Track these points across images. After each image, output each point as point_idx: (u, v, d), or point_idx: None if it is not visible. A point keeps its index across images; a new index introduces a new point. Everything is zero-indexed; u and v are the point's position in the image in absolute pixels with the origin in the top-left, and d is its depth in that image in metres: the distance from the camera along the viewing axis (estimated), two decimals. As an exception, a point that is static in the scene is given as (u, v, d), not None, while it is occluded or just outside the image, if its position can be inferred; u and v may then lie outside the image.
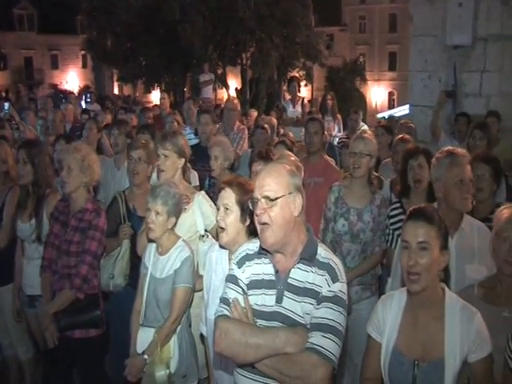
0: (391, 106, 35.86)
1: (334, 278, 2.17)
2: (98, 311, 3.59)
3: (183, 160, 3.70)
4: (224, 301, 2.27)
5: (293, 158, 3.70)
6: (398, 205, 3.71)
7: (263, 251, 2.24)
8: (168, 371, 3.10)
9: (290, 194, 2.17)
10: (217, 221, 2.78)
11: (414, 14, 7.12)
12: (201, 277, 3.23)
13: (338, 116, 8.86)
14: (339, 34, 42.72)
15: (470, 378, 2.15)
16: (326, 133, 5.99)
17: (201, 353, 3.32)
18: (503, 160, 5.18)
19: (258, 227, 2.18)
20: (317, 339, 2.08)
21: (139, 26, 25.93)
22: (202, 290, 3.18)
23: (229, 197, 2.72)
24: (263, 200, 2.15)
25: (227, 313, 2.21)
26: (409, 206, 3.57)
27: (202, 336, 3.16)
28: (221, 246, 2.86)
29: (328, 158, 5.02)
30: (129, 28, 26.52)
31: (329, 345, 2.07)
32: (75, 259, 3.53)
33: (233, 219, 2.70)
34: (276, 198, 2.13)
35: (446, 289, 2.28)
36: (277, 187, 2.15)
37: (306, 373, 2.05)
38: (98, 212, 3.64)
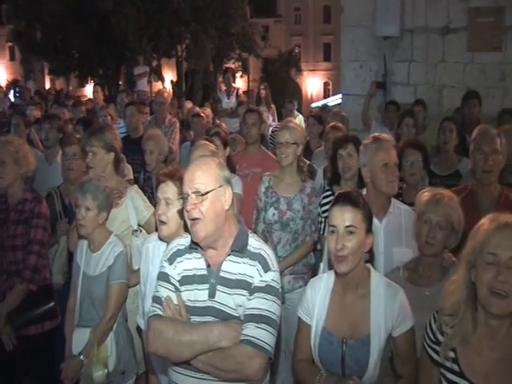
0: (326, 95, 36.40)
1: (266, 268, 2.17)
2: (53, 302, 3.51)
3: (112, 154, 3.64)
4: (156, 300, 2.24)
5: (211, 148, 3.69)
6: (330, 192, 3.77)
7: (194, 246, 2.22)
8: (106, 370, 3.03)
9: (220, 187, 2.16)
10: (157, 214, 2.74)
11: (346, 6, 7.26)
12: (135, 272, 3.18)
13: (272, 106, 8.96)
14: (274, 26, 42.96)
15: (394, 351, 2.23)
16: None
17: (138, 347, 3.28)
18: (429, 147, 5.42)
19: (189, 222, 2.15)
20: (250, 330, 2.09)
21: (71, 16, 25.03)
22: (136, 284, 3.14)
23: (170, 190, 2.68)
24: (193, 195, 2.12)
25: (160, 312, 2.19)
26: (340, 193, 3.67)
27: (139, 329, 3.12)
28: (159, 238, 2.82)
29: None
30: (59, 19, 25.54)
31: (263, 335, 2.09)
32: (22, 252, 3.42)
33: (174, 213, 2.67)
34: (206, 193, 2.12)
35: (371, 269, 2.36)
36: (207, 181, 2.13)
37: (242, 365, 2.06)
38: (39, 199, 3.56)
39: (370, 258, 2.39)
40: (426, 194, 2.64)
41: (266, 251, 2.24)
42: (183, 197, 2.17)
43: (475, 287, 1.93)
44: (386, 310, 2.25)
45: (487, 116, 5.66)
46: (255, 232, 3.80)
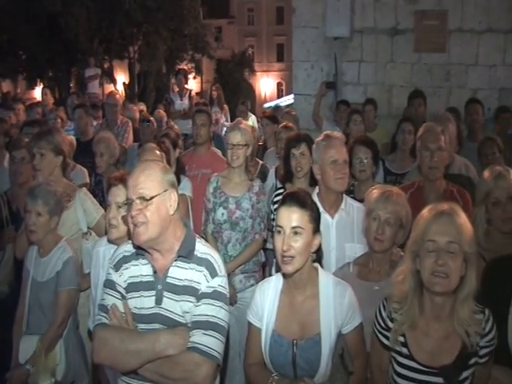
0: (280, 95, 36.50)
1: (213, 273, 2.16)
2: None
3: (61, 157, 3.58)
4: (102, 308, 2.20)
5: (158, 152, 3.68)
6: (282, 190, 3.79)
7: (140, 251, 2.19)
8: (53, 380, 2.96)
9: (165, 191, 2.12)
10: (108, 218, 2.70)
11: (297, 7, 7.32)
12: (85, 276, 3.12)
13: (225, 107, 8.95)
14: (228, 27, 42.94)
15: (344, 348, 2.25)
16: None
17: (90, 352, 3.21)
18: (380, 144, 5.53)
19: (132, 227, 2.11)
20: (198, 337, 2.07)
21: (17, 16, 24.26)
22: (88, 288, 3.08)
23: (121, 194, 2.64)
24: (138, 201, 2.08)
25: (105, 321, 2.15)
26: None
27: (90, 334, 3.05)
28: (109, 241, 2.77)
29: (216, 149, 5.06)
30: (5, 18, 24.71)
31: (211, 342, 2.08)
32: None
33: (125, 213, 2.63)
34: (151, 198, 2.08)
35: (319, 268, 2.36)
36: (151, 186, 2.10)
37: (189, 373, 2.04)
38: None
39: (318, 257, 2.38)
40: (375, 192, 2.68)
41: (213, 256, 2.22)
42: (127, 202, 2.13)
43: (420, 275, 2.05)
44: (335, 308, 2.26)
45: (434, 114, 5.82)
46: (205, 233, 3.83)
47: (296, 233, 2.21)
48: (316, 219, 2.28)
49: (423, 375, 2.05)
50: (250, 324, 2.40)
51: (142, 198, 2.08)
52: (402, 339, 2.11)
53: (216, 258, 2.21)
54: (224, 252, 3.76)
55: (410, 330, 2.10)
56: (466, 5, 6.70)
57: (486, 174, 2.84)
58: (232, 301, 3.70)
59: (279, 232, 2.23)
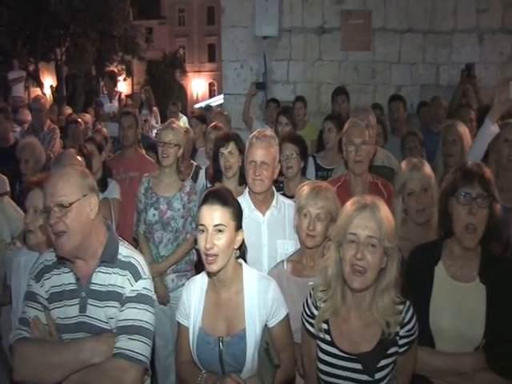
0: (212, 96, 36.32)
1: (137, 276, 2.14)
2: None
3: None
4: (22, 321, 2.12)
5: (78, 158, 3.63)
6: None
7: (62, 260, 2.13)
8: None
9: (84, 196, 2.09)
10: (25, 223, 2.61)
11: (226, 7, 7.33)
12: (7, 288, 2.99)
13: (155, 109, 8.86)
14: (158, 27, 42.40)
15: (269, 342, 2.27)
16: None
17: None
18: (311, 141, 5.63)
19: (53, 236, 2.05)
20: (124, 343, 2.05)
21: None
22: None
23: (37, 198, 2.56)
24: (56, 208, 2.03)
25: (26, 334, 2.08)
26: (222, 190, 3.70)
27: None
28: (29, 248, 2.67)
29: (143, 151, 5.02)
30: None
31: (137, 346, 2.06)
32: None
33: (43, 221, 2.52)
34: (70, 204, 2.03)
35: (244, 264, 2.38)
36: (69, 192, 2.05)
37: (116, 380, 2.02)
38: None
39: (242, 253, 2.39)
40: (304, 188, 2.72)
41: (137, 258, 2.19)
42: (45, 211, 2.07)
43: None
44: (259, 303, 2.28)
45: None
46: (137, 233, 3.79)
47: (219, 230, 2.20)
48: (238, 216, 2.29)
49: (344, 361, 2.12)
50: (178, 324, 2.39)
51: (61, 206, 2.03)
52: (325, 326, 2.17)
53: (139, 261, 2.19)
54: (156, 252, 3.76)
55: (333, 317, 2.16)
56: (389, 6, 6.96)
57: (403, 165, 2.95)
58: (164, 300, 3.69)
59: (202, 231, 2.22)
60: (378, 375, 2.07)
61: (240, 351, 2.24)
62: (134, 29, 28.91)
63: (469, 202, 2.23)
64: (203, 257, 2.23)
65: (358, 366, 2.09)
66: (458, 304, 2.28)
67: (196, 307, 2.33)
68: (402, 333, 2.10)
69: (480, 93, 6.01)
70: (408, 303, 2.13)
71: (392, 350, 2.11)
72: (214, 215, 2.21)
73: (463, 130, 3.88)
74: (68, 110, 9.14)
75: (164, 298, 3.71)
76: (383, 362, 2.09)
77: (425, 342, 2.28)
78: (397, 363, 2.14)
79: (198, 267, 4.02)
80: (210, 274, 2.33)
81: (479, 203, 2.22)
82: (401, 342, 2.11)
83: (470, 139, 3.82)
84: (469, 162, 2.40)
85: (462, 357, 2.25)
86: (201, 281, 2.38)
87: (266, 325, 2.29)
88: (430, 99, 6.11)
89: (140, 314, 2.10)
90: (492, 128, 3.18)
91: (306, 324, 2.25)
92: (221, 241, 2.20)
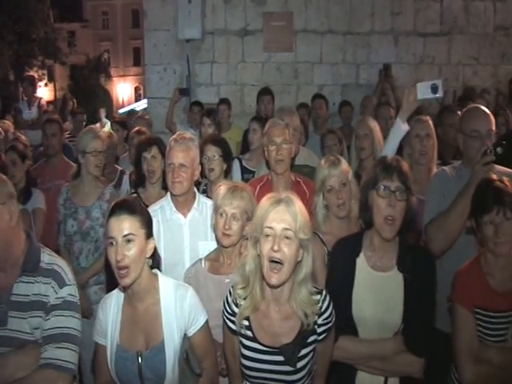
0: (138, 100, 35.62)
1: (61, 283, 2.08)
2: None
3: None
4: None
5: None
6: (135, 195, 3.71)
7: None
8: None
9: (3, 204, 2.01)
10: None
11: (148, 10, 7.28)
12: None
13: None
14: (81, 31, 41.24)
15: (188, 351, 2.25)
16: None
17: None
18: (236, 143, 5.65)
19: None
20: (51, 352, 1.99)
21: None
22: None
23: None
24: None
25: None
26: (145, 195, 3.65)
27: None
28: None
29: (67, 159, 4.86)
30: None
31: (64, 354, 2.01)
32: None
33: None
34: None
35: (159, 274, 2.34)
36: None
37: None
38: None
39: (157, 262, 2.35)
40: (221, 188, 2.73)
41: (60, 264, 2.13)
42: None
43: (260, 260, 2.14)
44: (177, 311, 2.24)
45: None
46: (59, 245, 3.68)
47: (129, 240, 2.14)
48: (147, 224, 2.24)
49: (266, 355, 2.15)
50: (96, 343, 2.33)
51: None
52: (246, 323, 2.20)
53: (62, 267, 2.13)
54: (76, 264, 3.65)
55: (253, 313, 2.19)
56: (310, 7, 7.13)
57: (321, 163, 3.03)
58: (87, 313, 3.57)
59: (111, 244, 2.15)
60: (299, 364, 2.13)
61: (160, 363, 2.20)
62: (55, 32, 27.98)
63: (388, 195, 2.32)
64: (115, 271, 2.15)
65: (280, 358, 2.13)
66: (379, 293, 2.37)
67: (113, 324, 2.26)
68: (320, 321, 2.16)
69: (397, 91, 6.28)
70: (324, 292, 2.19)
71: (311, 338, 2.17)
72: (123, 226, 2.14)
73: (374, 125, 4.06)
74: (-17, 118, 8.68)
75: (87, 311, 3.58)
76: (304, 351, 2.15)
77: (348, 330, 2.37)
78: (316, 350, 2.20)
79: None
80: (124, 288, 2.26)
81: (398, 196, 2.31)
82: (319, 330, 2.17)
83: (380, 133, 4.01)
84: (388, 157, 2.49)
85: (383, 342, 2.36)
86: (116, 296, 2.31)
87: (185, 334, 2.26)
88: (363, 98, 6.32)
89: (66, 321, 2.04)
90: (403, 126, 3.33)
91: (228, 322, 2.26)
92: (131, 251, 2.14)
